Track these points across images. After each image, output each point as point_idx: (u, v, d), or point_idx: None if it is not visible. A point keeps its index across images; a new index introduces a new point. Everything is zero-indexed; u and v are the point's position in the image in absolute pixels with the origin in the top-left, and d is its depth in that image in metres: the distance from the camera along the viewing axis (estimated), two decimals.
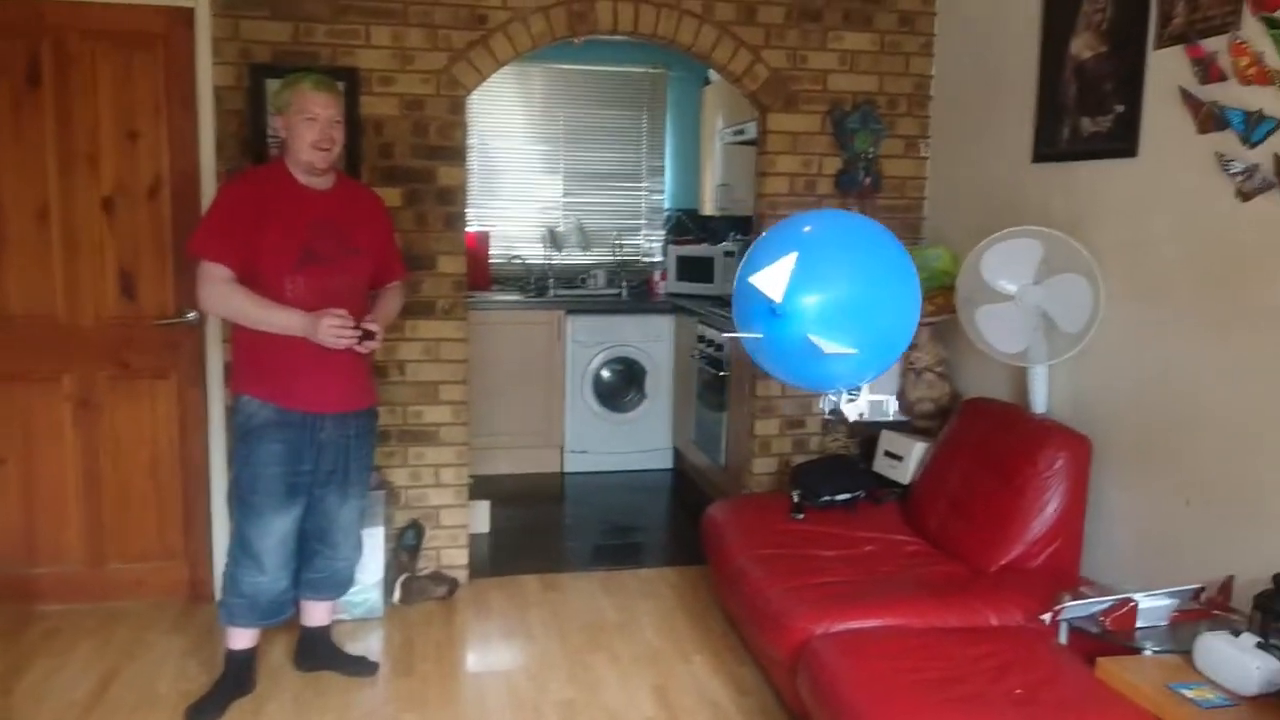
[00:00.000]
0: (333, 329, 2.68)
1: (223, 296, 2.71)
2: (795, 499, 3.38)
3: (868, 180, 3.91)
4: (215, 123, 3.44)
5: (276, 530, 2.84)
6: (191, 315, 3.47)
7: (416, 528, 3.70)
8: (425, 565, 3.74)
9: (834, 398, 2.07)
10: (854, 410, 2.06)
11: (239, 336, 2.83)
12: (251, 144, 3.42)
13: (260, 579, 2.86)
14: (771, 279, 1.81)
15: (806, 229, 1.97)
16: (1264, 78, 2.34)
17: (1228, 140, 2.46)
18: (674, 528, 4.72)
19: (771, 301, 1.83)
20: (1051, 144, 3.16)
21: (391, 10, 3.50)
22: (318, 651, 3.13)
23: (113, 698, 2.93)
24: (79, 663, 3.14)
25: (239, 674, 2.96)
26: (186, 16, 3.39)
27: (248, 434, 2.81)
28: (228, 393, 3.24)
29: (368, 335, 2.77)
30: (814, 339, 1.82)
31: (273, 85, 3.42)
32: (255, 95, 3.41)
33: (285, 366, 2.77)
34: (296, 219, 2.77)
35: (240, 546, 2.86)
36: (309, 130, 2.73)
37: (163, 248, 3.48)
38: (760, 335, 1.92)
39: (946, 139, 3.87)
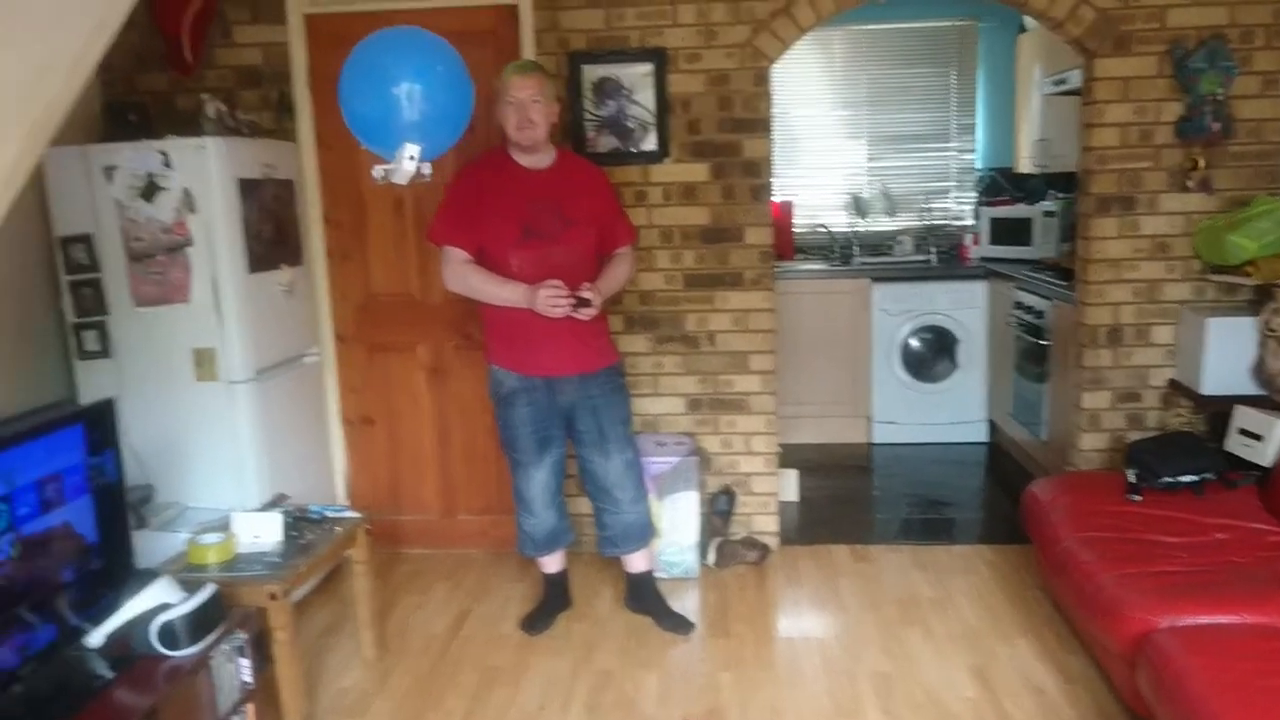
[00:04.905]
0: (549, 299, 2.88)
1: (461, 276, 3.01)
2: (1131, 479, 3.12)
3: (1216, 126, 3.49)
4: None
5: (538, 479, 3.18)
6: None
7: (729, 493, 3.81)
8: (737, 530, 3.85)
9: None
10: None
11: (484, 311, 3.11)
12: (572, 129, 3.64)
13: (532, 519, 3.25)
14: None
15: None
16: None
17: None
18: (990, 504, 4.52)
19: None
20: None
21: None
22: (641, 594, 3.38)
23: (465, 635, 3.29)
24: (437, 601, 3.55)
25: (555, 592, 3.42)
26: (512, 12, 3.65)
27: (500, 400, 3.13)
28: None
29: (583, 303, 2.91)
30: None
31: (589, 71, 3.64)
32: (573, 81, 3.62)
33: (521, 336, 3.02)
34: (516, 199, 2.99)
35: (515, 493, 3.26)
36: (511, 113, 2.95)
37: None
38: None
39: None
